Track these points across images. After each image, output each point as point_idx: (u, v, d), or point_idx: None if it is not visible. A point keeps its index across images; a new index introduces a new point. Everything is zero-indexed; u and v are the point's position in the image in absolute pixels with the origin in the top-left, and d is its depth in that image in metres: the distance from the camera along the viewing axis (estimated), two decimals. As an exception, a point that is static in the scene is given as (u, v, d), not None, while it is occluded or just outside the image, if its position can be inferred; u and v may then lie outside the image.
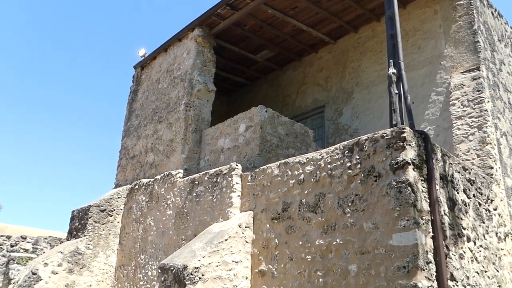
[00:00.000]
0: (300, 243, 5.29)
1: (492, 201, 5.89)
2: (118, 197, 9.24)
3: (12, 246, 13.47)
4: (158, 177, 8.42)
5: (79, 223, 9.00)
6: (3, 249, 13.33)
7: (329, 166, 5.26)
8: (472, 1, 7.62)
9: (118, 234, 8.99)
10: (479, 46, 7.27)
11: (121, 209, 9.17)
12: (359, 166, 4.92)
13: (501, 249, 5.66)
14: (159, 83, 10.07)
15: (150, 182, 8.60)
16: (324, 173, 5.29)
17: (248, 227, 6.03)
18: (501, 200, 6.23)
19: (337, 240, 4.87)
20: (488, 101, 6.91)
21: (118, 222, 9.09)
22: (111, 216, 9.02)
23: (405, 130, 4.60)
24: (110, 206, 9.08)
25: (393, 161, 4.55)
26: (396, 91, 5.16)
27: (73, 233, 9.04)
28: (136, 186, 9.01)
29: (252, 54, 10.68)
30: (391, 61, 5.35)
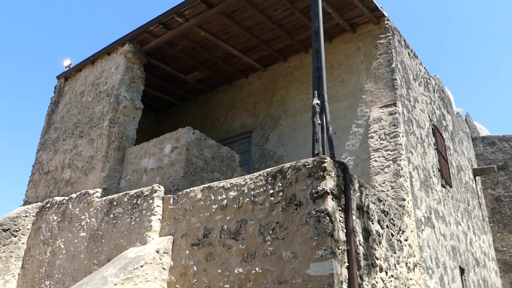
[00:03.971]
0: (219, 271, 5.16)
1: (403, 232, 6.22)
2: (26, 216, 8.48)
3: None
4: (74, 195, 7.88)
5: (-23, 244, 8.10)
6: None
7: (252, 192, 5.24)
8: (391, 41, 8.20)
9: (22, 257, 8.21)
10: (396, 83, 7.80)
11: (28, 229, 8.41)
12: (281, 193, 4.95)
13: (410, 279, 5.95)
14: (83, 96, 9.57)
15: (64, 201, 8.01)
16: (247, 199, 5.25)
17: (166, 252, 5.79)
18: (412, 231, 6.60)
19: (256, 268, 4.81)
20: (403, 136, 7.38)
21: (23, 244, 8.30)
22: (15, 236, 8.23)
23: (325, 160, 4.72)
24: (16, 225, 8.29)
25: (313, 190, 4.64)
26: (319, 122, 5.32)
27: (-31, 255, 8.10)
28: (48, 204, 8.34)
29: (183, 74, 10.57)
30: (315, 92, 5.53)
